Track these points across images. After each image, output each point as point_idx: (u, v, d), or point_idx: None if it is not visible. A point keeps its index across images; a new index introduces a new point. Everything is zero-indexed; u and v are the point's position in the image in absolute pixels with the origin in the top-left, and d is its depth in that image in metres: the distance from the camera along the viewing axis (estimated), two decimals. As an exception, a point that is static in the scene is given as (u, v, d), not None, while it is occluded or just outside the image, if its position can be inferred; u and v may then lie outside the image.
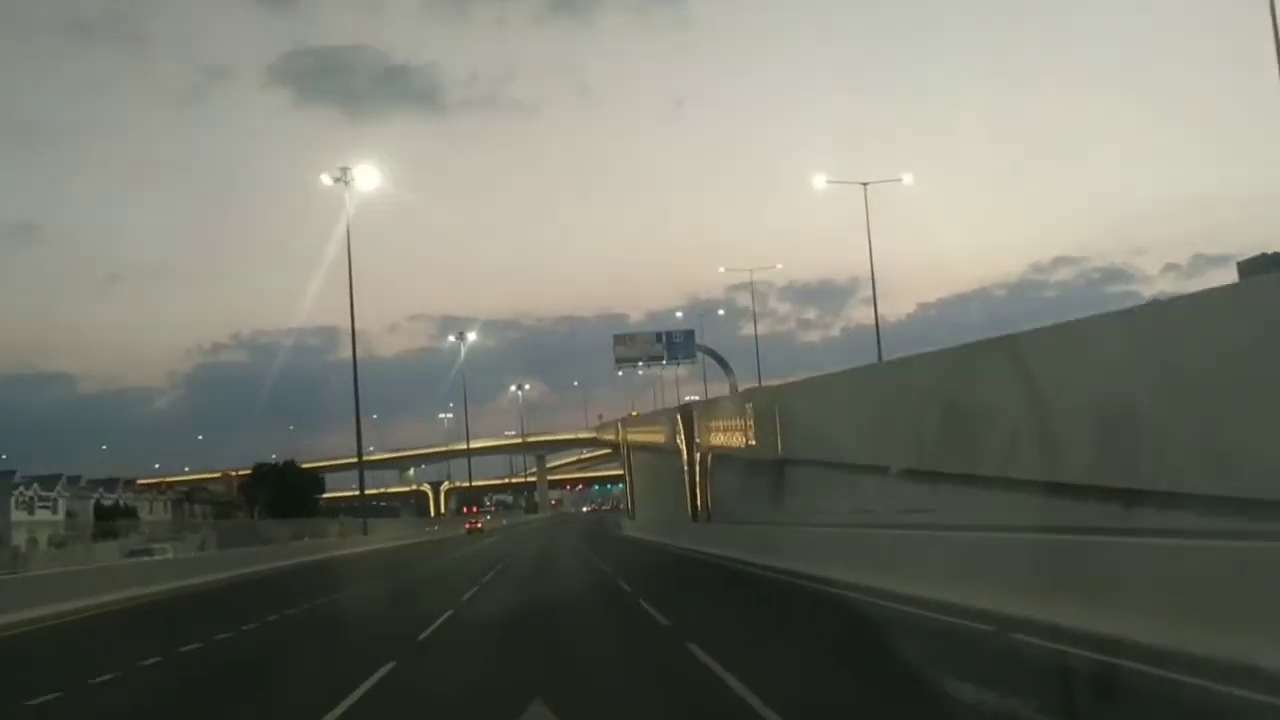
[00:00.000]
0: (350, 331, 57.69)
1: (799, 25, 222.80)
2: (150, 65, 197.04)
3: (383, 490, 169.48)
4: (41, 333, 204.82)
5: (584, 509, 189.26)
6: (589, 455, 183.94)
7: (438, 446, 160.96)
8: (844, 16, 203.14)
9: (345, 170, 50.55)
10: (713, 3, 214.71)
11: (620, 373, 61.19)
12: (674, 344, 61.01)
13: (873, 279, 42.05)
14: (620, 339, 60.42)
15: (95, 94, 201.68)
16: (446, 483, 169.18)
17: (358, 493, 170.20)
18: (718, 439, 41.00)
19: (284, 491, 78.83)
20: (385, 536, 61.56)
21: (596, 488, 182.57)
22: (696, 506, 45.24)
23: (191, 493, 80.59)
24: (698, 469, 45.06)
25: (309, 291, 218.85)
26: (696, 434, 45.26)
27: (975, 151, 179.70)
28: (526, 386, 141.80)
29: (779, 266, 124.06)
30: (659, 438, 55.00)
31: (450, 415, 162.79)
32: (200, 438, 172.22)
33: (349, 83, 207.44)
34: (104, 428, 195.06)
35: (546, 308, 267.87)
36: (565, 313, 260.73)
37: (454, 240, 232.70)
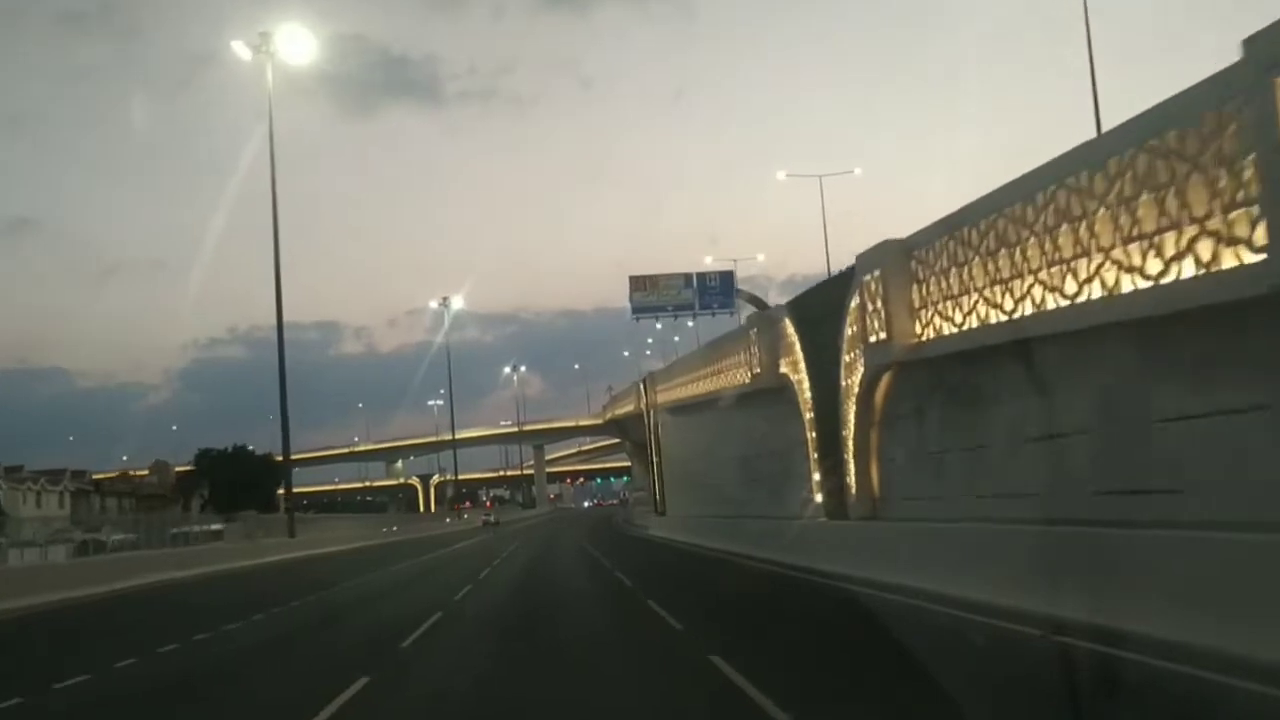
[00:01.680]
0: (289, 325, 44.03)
1: (799, 16, 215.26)
2: (142, 55, 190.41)
3: (366, 484, 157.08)
4: (37, 328, 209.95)
5: (585, 504, 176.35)
6: (590, 446, 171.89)
7: (427, 437, 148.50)
8: (844, 7, 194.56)
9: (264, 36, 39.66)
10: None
11: (637, 320, 47.28)
12: (708, 289, 47.35)
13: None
14: (639, 282, 46.73)
15: (88, 85, 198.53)
16: (437, 475, 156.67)
17: (332, 487, 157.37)
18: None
19: (232, 482, 66.10)
20: (326, 539, 48.27)
21: (599, 480, 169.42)
22: (849, 486, 21.51)
23: (103, 484, 67.62)
24: (853, 408, 21.38)
25: (306, 285, 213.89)
26: (848, 345, 21.23)
27: (977, 139, 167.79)
28: (523, 368, 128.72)
29: (760, 258, 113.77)
30: (732, 377, 33.86)
31: (439, 403, 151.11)
32: (174, 428, 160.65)
33: (344, 73, 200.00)
34: (102, 423, 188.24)
35: (545, 301, 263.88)
36: (564, 306, 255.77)
37: (452, 233, 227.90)
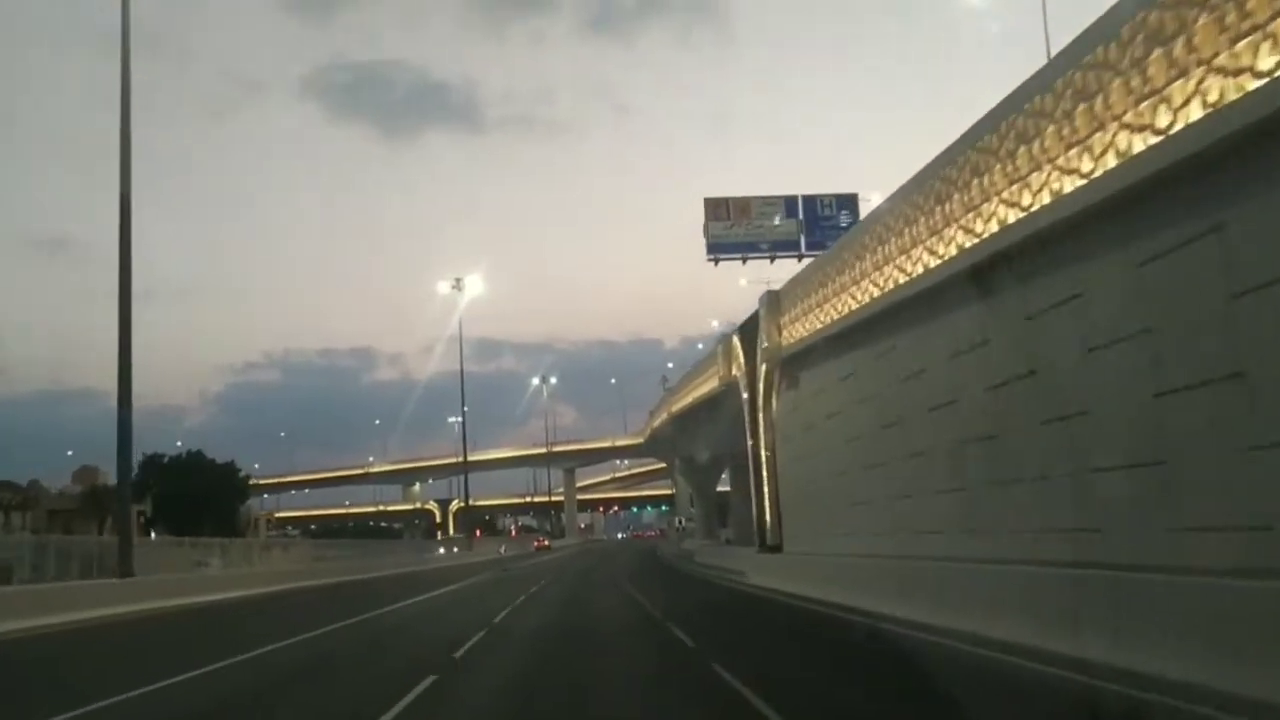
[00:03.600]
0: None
1: (841, 42, 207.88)
2: (183, 79, 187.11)
3: (379, 508, 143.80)
4: (71, 349, 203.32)
5: (619, 535, 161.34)
6: (625, 472, 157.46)
7: (445, 458, 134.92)
8: (885, 36, 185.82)
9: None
10: (754, 20, 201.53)
11: (715, 262, 32.97)
12: (819, 220, 33.03)
13: None
14: (717, 208, 32.58)
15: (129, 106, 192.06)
16: (456, 501, 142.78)
17: (342, 511, 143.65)
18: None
19: (184, 496, 52.67)
20: (218, 581, 32.92)
21: (634, 509, 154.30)
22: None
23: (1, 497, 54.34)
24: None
25: (343, 312, 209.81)
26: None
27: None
28: (553, 379, 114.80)
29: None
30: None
31: (460, 420, 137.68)
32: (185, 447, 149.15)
33: (384, 99, 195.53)
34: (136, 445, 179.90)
35: (580, 331, 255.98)
36: (599, 336, 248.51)
37: (488, 261, 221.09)
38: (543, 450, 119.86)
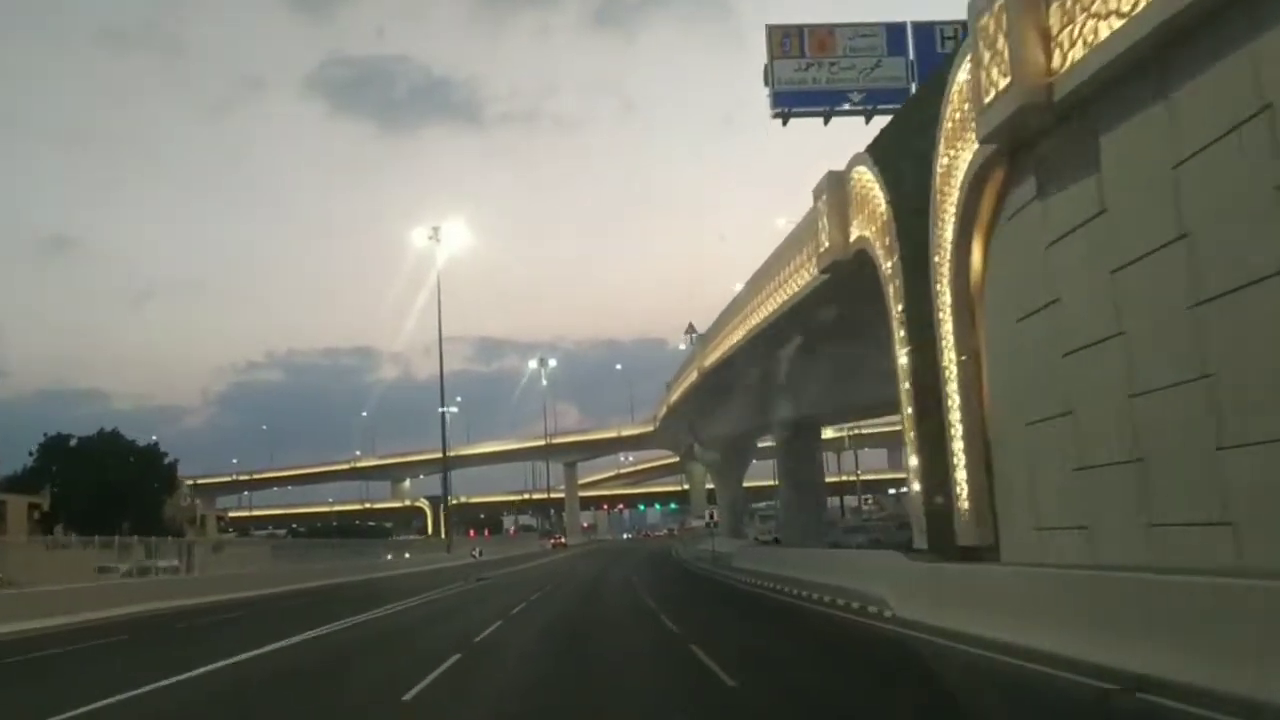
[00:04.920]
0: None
1: None
2: (185, 75, 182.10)
3: (365, 506, 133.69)
4: (75, 348, 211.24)
5: (624, 535, 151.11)
6: (630, 469, 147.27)
7: (434, 452, 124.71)
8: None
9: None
10: (762, 14, 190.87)
11: (783, 119, 22.15)
12: (932, 54, 21.15)
13: None
14: (785, 36, 21.24)
15: (130, 104, 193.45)
16: (450, 498, 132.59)
17: (325, 509, 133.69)
18: None
19: (96, 487, 42.47)
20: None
21: (641, 507, 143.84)
22: None
23: None
24: None
25: (345, 310, 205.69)
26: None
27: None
28: (553, 362, 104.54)
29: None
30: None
31: (454, 408, 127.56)
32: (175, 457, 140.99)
33: (386, 95, 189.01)
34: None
35: (585, 330, 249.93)
36: (605, 336, 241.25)
37: (491, 260, 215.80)
38: (541, 443, 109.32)
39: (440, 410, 58.38)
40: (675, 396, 57.70)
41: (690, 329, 56.08)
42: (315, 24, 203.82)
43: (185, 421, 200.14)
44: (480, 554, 57.04)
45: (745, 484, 74.39)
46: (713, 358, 43.03)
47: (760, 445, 66.58)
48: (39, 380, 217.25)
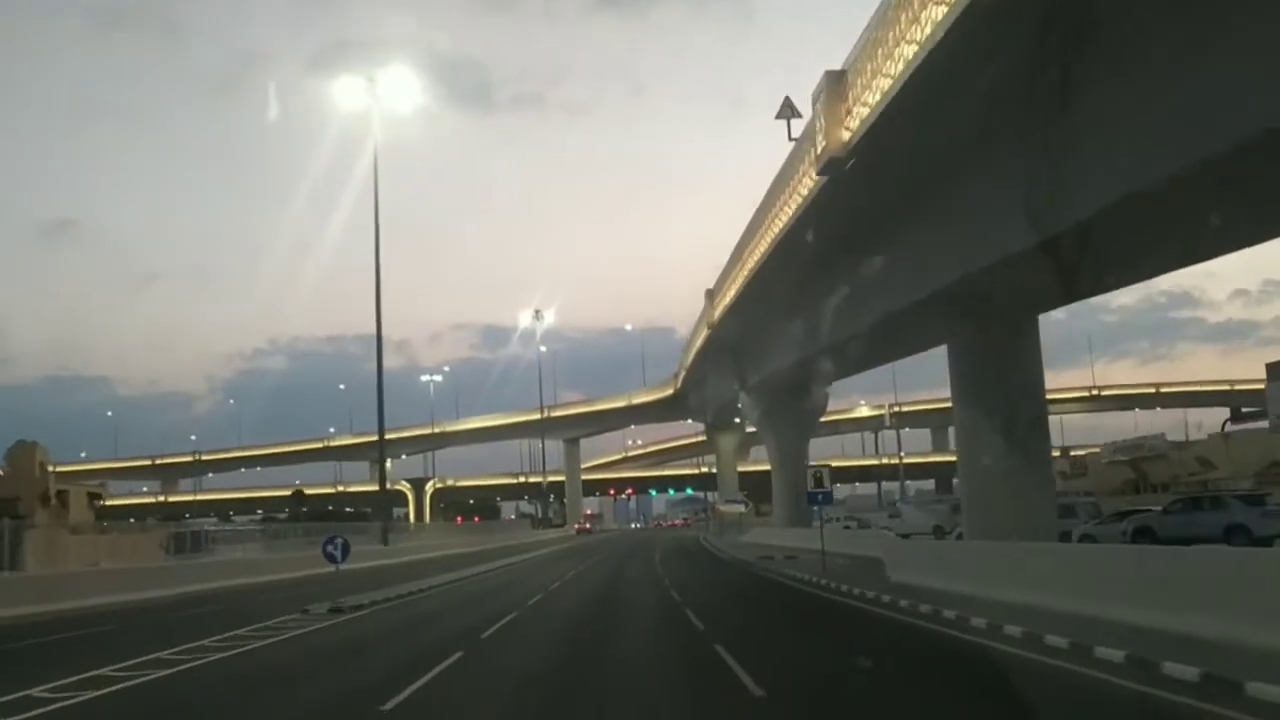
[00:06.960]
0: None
1: (861, 19, 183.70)
2: (186, 53, 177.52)
3: (339, 489, 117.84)
4: (78, 333, 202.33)
5: (632, 525, 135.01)
6: (639, 451, 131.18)
7: (419, 428, 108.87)
8: None
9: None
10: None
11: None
12: None
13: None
14: None
15: (131, 85, 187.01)
16: (434, 481, 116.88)
17: (258, 494, 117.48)
18: None
19: None
20: None
21: (653, 492, 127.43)
22: None
23: None
24: None
25: (349, 295, 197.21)
26: None
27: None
28: (549, 315, 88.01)
29: None
30: None
31: (439, 377, 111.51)
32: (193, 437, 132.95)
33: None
34: (144, 432, 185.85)
35: (591, 318, 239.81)
36: (612, 324, 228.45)
37: (499, 246, 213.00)
38: (538, 416, 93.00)
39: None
40: (718, 311, 41.12)
41: (710, 292, 42.69)
42: (319, 6, 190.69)
43: (194, 408, 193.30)
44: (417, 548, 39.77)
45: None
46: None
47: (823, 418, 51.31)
48: (45, 366, 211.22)
